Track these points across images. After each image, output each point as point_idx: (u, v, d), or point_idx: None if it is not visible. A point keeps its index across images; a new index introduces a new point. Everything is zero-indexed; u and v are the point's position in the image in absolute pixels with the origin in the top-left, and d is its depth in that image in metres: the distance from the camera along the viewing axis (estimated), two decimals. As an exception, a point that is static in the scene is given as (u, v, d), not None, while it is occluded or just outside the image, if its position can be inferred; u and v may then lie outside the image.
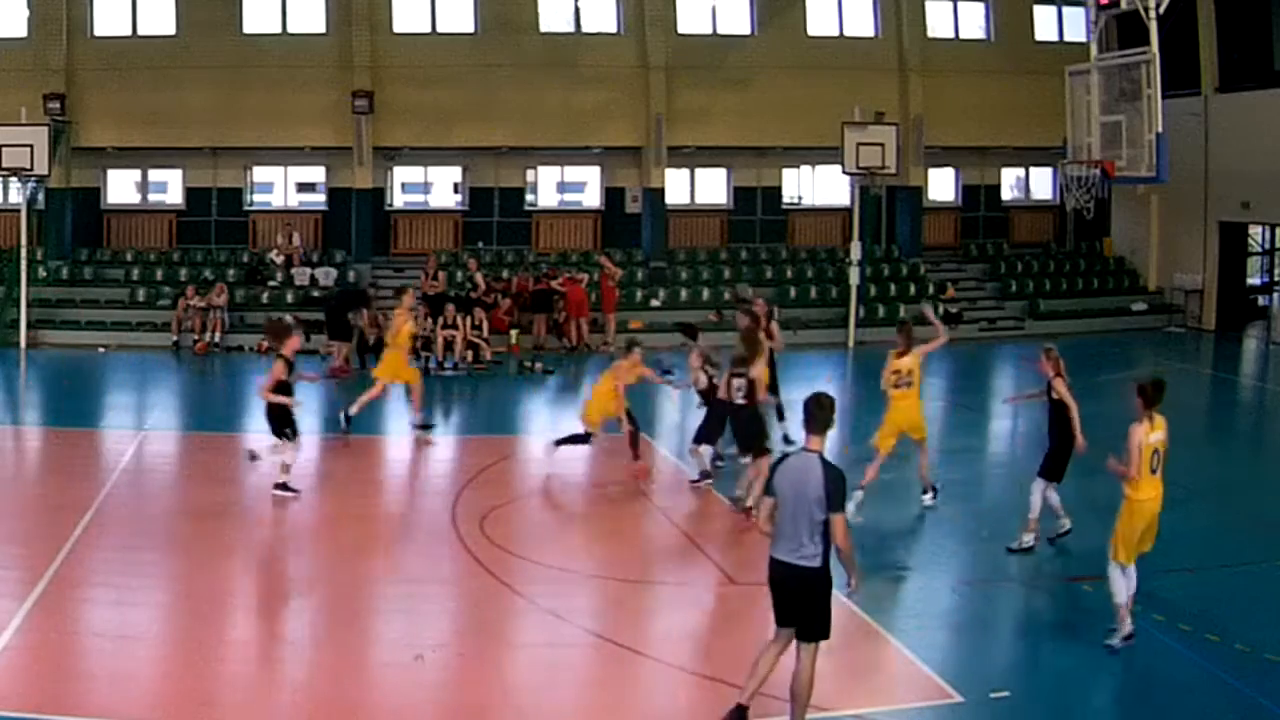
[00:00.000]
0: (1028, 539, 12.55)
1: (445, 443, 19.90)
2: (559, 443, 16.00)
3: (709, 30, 31.16)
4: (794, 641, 8.38)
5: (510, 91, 29.65)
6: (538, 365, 24.45)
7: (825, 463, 8.25)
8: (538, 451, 18.30)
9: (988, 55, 31.93)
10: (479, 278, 26.90)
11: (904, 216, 32.00)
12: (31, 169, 25.73)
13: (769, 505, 8.45)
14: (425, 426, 18.20)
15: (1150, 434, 10.10)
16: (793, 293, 29.66)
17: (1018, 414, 19.24)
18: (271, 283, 28.36)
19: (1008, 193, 34.73)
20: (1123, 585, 10.12)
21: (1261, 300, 33.19)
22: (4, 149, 25.44)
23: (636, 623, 11.04)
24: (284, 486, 14.31)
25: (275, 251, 29.12)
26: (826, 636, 8.33)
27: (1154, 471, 10.14)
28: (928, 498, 14.38)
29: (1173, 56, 23.67)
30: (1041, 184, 34.52)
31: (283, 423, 14.35)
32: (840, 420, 19.47)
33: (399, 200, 31.84)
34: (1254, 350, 29.23)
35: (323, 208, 31.20)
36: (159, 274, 28.62)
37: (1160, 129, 21.38)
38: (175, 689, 9.23)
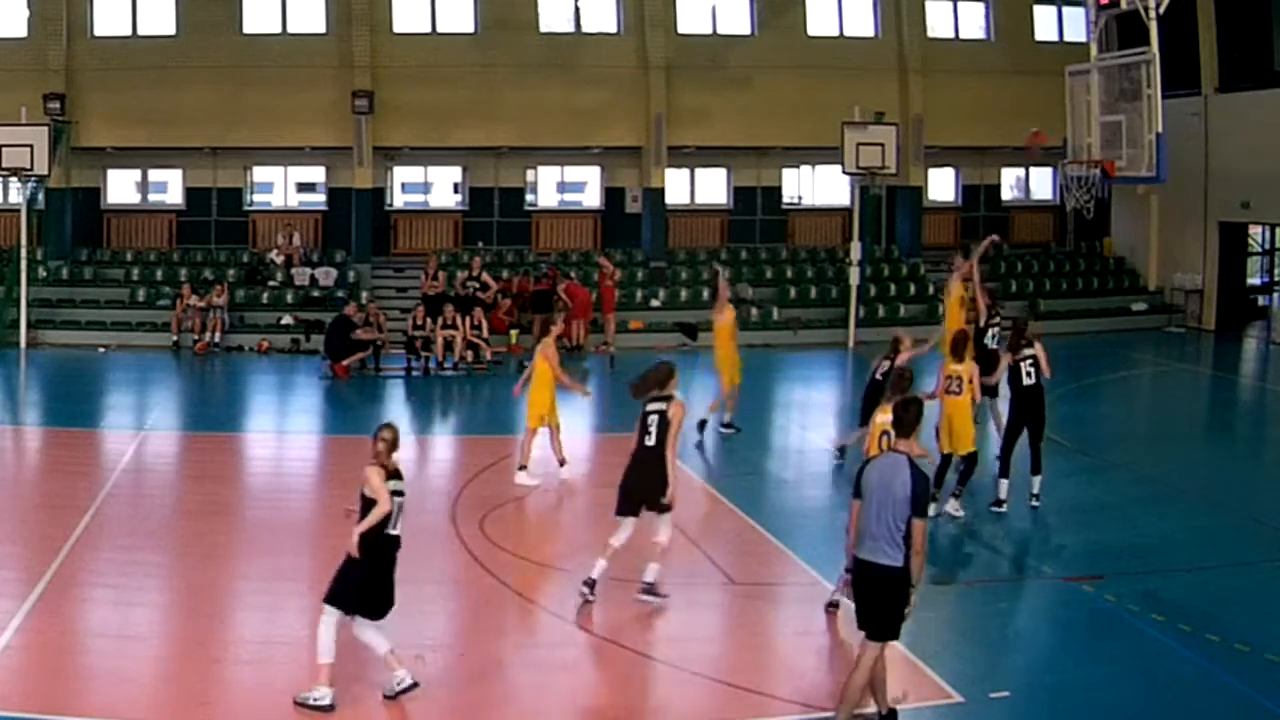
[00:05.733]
0: None
1: (445, 443, 19.92)
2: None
3: (709, 30, 31.12)
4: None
5: (510, 91, 29.62)
6: (538, 365, 24.38)
7: (913, 465, 8.41)
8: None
9: (988, 55, 31.89)
10: (487, 276, 26.83)
11: (904, 216, 31.97)
12: (31, 169, 25.68)
13: (855, 506, 8.56)
14: None
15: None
16: (793, 293, 29.63)
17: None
18: (271, 283, 28.34)
19: (1008, 193, 34.68)
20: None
21: (1261, 300, 33.15)
22: (4, 149, 25.38)
23: (636, 623, 11.03)
24: None
25: (275, 251, 29.09)
26: (896, 637, 8.48)
27: None
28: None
29: (1173, 56, 23.66)
30: (1041, 184, 34.48)
31: None
32: (836, 422, 19.52)
33: (399, 200, 31.83)
34: (1254, 350, 29.20)
35: (323, 208, 31.18)
36: (159, 274, 28.58)
37: (1160, 129, 21.35)
38: (175, 689, 9.24)
